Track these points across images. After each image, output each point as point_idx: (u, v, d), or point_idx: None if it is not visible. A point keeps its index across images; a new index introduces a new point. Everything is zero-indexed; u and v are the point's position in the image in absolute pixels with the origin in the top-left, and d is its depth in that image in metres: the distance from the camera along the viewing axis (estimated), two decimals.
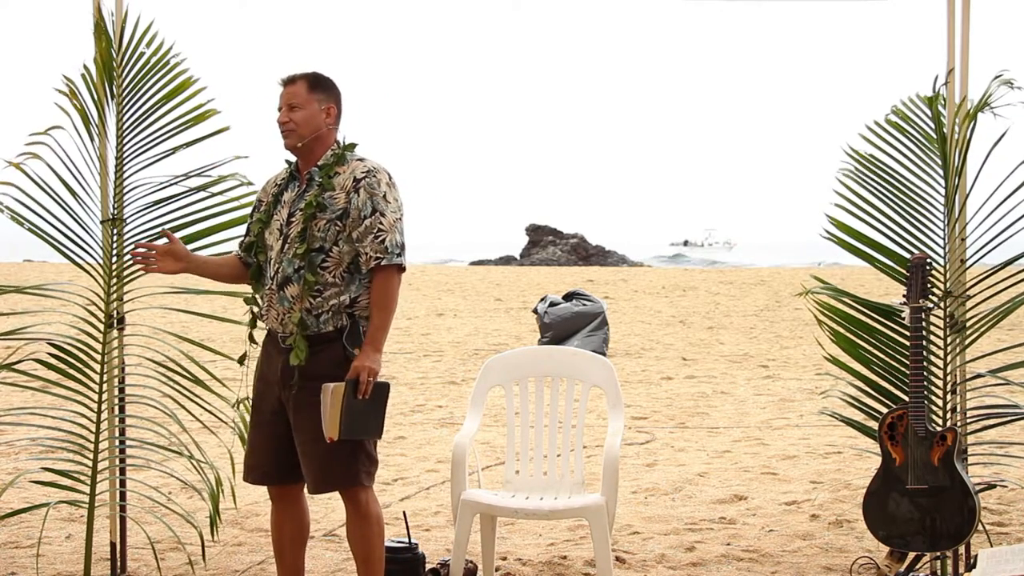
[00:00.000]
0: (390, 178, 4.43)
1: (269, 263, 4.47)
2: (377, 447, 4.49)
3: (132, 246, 4.72)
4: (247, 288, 4.69)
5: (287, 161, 4.58)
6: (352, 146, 4.50)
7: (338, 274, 4.35)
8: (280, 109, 4.45)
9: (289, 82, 4.46)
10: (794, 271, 33.95)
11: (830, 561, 5.65)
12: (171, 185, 5.37)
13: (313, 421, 4.29)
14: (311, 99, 4.43)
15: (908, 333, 5.13)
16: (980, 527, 5.28)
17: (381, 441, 4.59)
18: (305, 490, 4.55)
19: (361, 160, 4.46)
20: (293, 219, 4.41)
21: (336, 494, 4.55)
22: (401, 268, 4.39)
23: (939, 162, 5.37)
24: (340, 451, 4.31)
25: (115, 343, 5.32)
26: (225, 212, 5.34)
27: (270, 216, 4.50)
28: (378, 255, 4.33)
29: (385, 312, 4.36)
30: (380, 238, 4.33)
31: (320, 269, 4.34)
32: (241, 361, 4.64)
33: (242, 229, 4.85)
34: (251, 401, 4.59)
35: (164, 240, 4.64)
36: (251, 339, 4.59)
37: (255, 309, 4.59)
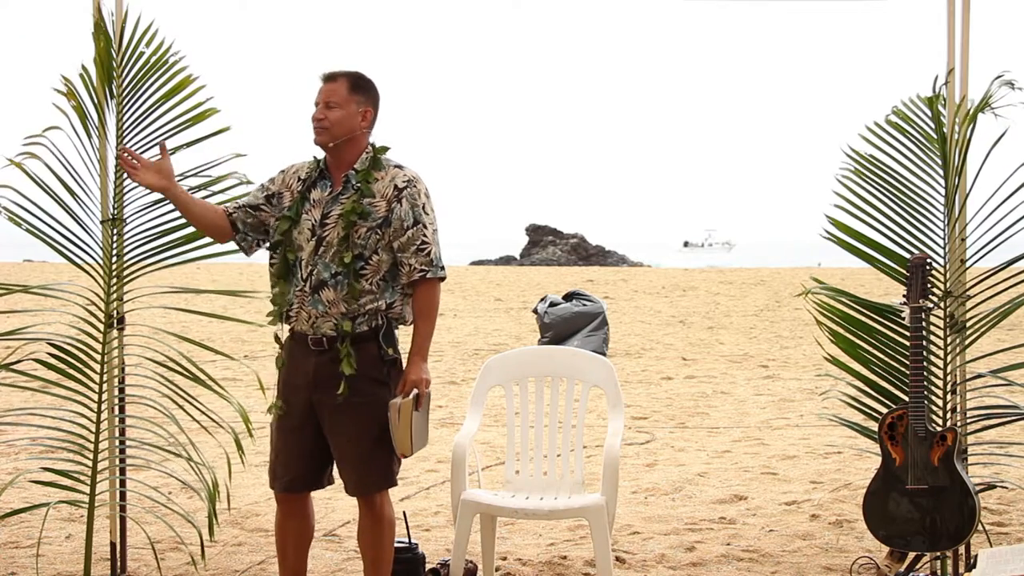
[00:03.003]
0: (427, 188, 4.43)
1: (300, 263, 4.37)
2: None
3: (122, 152, 4.56)
4: (231, 289, 4.63)
5: (315, 157, 4.49)
6: (384, 149, 4.45)
7: (375, 282, 4.32)
8: (317, 104, 4.38)
9: (330, 79, 4.39)
10: (794, 271, 33.96)
11: (830, 561, 5.65)
12: None
13: (353, 423, 4.28)
14: (350, 100, 4.37)
15: (908, 333, 5.13)
16: (980, 527, 5.28)
17: None
18: (313, 494, 4.55)
19: (399, 167, 4.41)
20: (328, 221, 4.33)
21: (335, 494, 4.54)
22: (443, 279, 4.42)
23: (939, 162, 5.37)
24: (377, 453, 4.32)
25: (115, 343, 5.32)
26: None
27: (298, 214, 4.40)
28: (423, 267, 4.34)
29: (430, 322, 4.40)
30: (425, 250, 4.34)
31: (358, 276, 4.30)
32: (280, 364, 4.50)
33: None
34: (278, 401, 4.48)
35: (156, 156, 4.56)
36: (277, 340, 4.52)
37: (281, 309, 4.43)
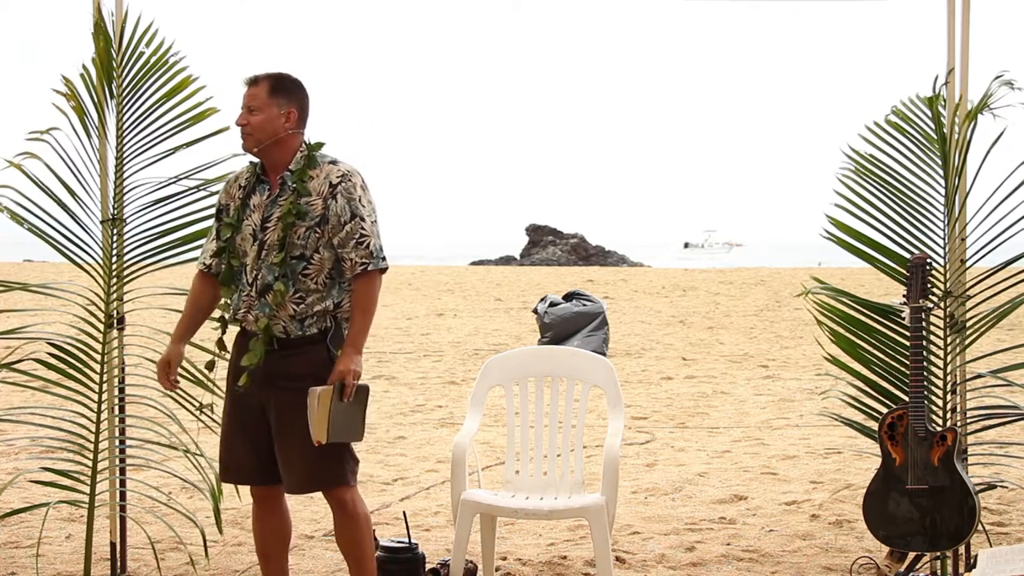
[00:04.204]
0: (363, 180, 4.39)
1: (245, 269, 4.39)
2: (364, 447, 4.47)
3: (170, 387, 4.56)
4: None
5: (251, 162, 4.49)
6: (319, 145, 4.42)
7: (320, 280, 4.32)
8: (241, 109, 4.38)
9: (251, 83, 4.38)
10: (794, 271, 33.96)
11: (830, 561, 5.65)
12: (171, 184, 5.37)
13: (299, 421, 4.27)
14: (271, 103, 4.34)
15: (908, 333, 5.13)
16: (980, 527, 5.28)
17: (381, 441, 4.59)
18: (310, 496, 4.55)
19: (333, 163, 4.38)
20: (268, 225, 4.33)
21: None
22: (384, 271, 4.40)
23: (939, 162, 5.37)
24: (327, 451, 4.30)
25: (115, 343, 5.33)
26: None
27: (240, 221, 4.40)
28: (364, 260, 4.31)
29: (367, 315, 4.36)
30: (364, 243, 4.31)
31: (302, 276, 4.30)
32: (210, 367, 4.59)
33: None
34: (226, 400, 4.50)
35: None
36: (221, 345, 4.54)
37: (226, 315, 4.50)
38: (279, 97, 4.37)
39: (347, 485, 4.40)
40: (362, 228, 4.32)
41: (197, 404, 4.97)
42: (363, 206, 4.34)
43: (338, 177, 4.34)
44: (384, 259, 4.38)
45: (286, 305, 4.30)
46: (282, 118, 4.37)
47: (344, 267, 4.35)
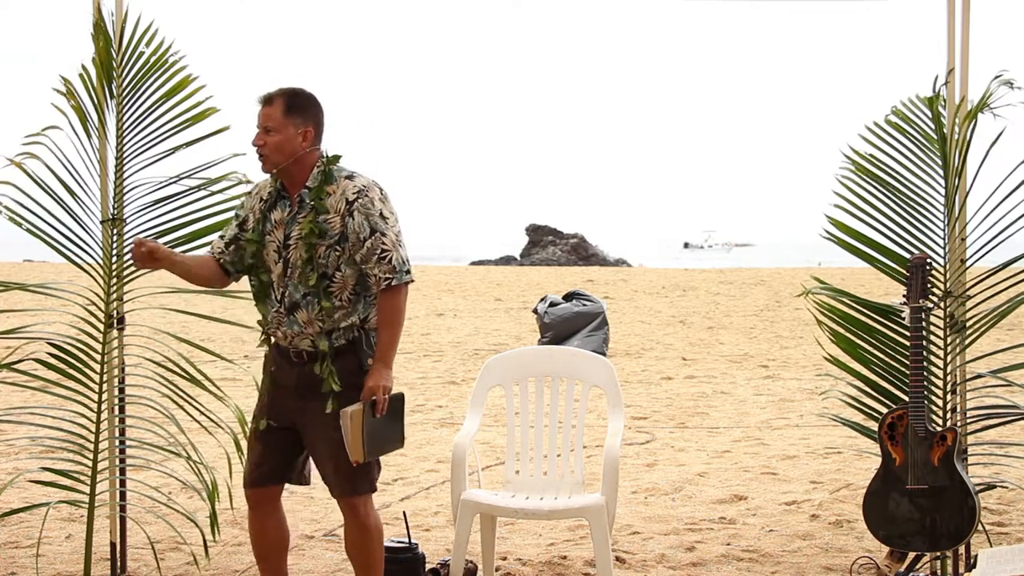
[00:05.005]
0: (382, 192, 4.35)
1: (273, 285, 4.37)
2: None
3: (132, 244, 4.50)
4: (231, 288, 4.66)
5: (271, 177, 4.45)
6: (336, 158, 4.37)
7: (344, 297, 4.30)
8: (257, 129, 4.34)
9: (266, 102, 4.33)
10: (794, 271, 33.95)
11: (830, 561, 5.65)
12: (171, 184, 5.37)
13: (329, 431, 4.27)
14: (287, 123, 4.29)
15: (908, 333, 5.14)
16: (980, 527, 5.28)
17: None
18: (283, 496, 4.56)
19: (350, 178, 4.33)
20: (290, 243, 4.31)
21: None
22: (409, 283, 4.37)
23: (939, 162, 5.37)
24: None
25: (115, 343, 5.32)
26: (225, 211, 5.33)
27: (263, 235, 4.39)
28: (388, 276, 4.27)
29: (394, 329, 4.33)
30: (386, 258, 4.27)
31: (326, 293, 4.28)
32: (265, 372, 4.53)
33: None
34: (261, 408, 4.50)
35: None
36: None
37: (268, 329, 4.49)
38: (295, 116, 4.32)
39: (368, 493, 4.44)
40: (383, 243, 4.27)
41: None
42: (383, 219, 4.29)
43: (354, 193, 4.30)
44: (409, 272, 4.33)
45: (313, 322, 4.29)
46: (299, 137, 4.32)
47: (369, 282, 4.33)
